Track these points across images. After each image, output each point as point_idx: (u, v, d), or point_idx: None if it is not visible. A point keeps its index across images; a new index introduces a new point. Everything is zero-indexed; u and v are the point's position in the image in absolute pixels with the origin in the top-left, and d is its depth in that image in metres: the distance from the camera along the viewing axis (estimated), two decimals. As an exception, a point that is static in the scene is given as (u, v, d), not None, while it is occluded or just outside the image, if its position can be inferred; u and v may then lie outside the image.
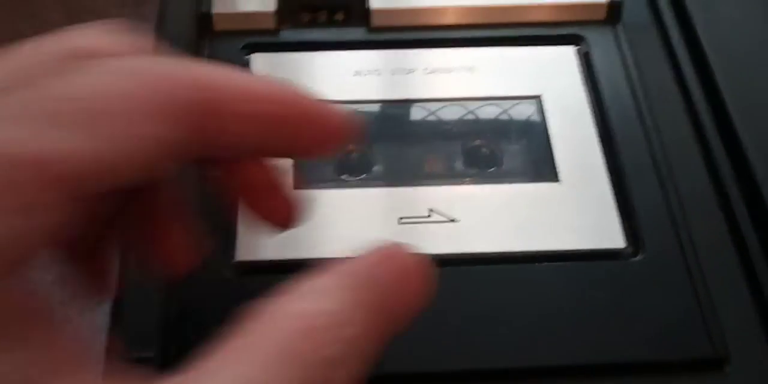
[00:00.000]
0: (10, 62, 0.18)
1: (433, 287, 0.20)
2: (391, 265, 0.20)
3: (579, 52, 0.34)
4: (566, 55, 0.34)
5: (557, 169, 0.30)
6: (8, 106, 0.17)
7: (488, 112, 0.33)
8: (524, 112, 0.32)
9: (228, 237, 0.28)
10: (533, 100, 0.32)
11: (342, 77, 0.33)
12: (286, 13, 0.35)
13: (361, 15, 0.35)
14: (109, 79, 0.18)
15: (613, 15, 0.35)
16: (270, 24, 0.35)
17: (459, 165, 0.31)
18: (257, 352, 0.17)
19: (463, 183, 0.30)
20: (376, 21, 0.35)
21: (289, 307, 0.18)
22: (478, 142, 0.32)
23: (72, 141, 0.16)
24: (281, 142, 0.20)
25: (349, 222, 0.29)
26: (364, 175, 0.31)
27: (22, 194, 0.16)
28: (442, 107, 0.33)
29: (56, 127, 0.16)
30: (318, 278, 0.18)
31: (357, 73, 0.33)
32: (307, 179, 0.30)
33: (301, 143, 0.21)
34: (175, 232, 0.22)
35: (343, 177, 0.31)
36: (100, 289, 0.22)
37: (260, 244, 0.28)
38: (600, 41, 0.34)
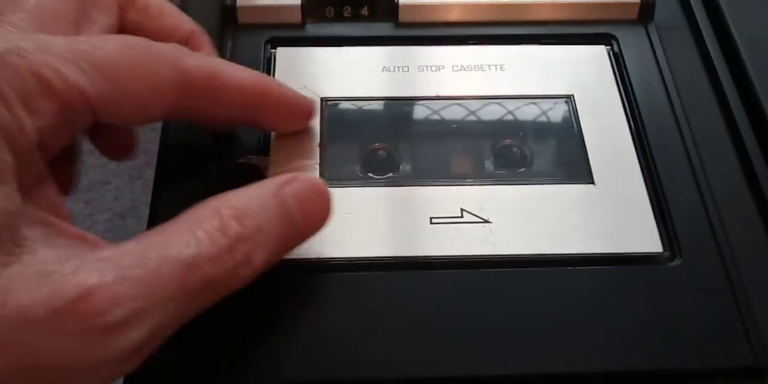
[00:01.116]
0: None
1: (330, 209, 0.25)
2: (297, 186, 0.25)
3: (611, 51, 0.34)
4: (598, 55, 0.33)
5: (592, 171, 0.29)
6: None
7: (519, 110, 0.32)
8: (556, 111, 0.32)
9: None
10: (565, 100, 0.32)
11: (369, 73, 0.32)
12: (311, 7, 0.34)
13: (388, 10, 0.34)
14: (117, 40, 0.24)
15: (645, 14, 0.34)
16: (295, 17, 0.34)
17: (489, 164, 0.30)
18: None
19: (494, 183, 0.29)
20: (403, 16, 0.34)
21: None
22: (509, 141, 0.31)
23: (85, 79, 0.22)
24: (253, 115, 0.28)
25: (378, 221, 0.28)
26: (391, 174, 0.30)
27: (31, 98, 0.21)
28: (471, 105, 0.32)
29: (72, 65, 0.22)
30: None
31: (384, 69, 0.33)
32: (334, 177, 0.29)
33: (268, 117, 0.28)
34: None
35: (371, 175, 0.30)
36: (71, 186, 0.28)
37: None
38: (632, 41, 0.34)
